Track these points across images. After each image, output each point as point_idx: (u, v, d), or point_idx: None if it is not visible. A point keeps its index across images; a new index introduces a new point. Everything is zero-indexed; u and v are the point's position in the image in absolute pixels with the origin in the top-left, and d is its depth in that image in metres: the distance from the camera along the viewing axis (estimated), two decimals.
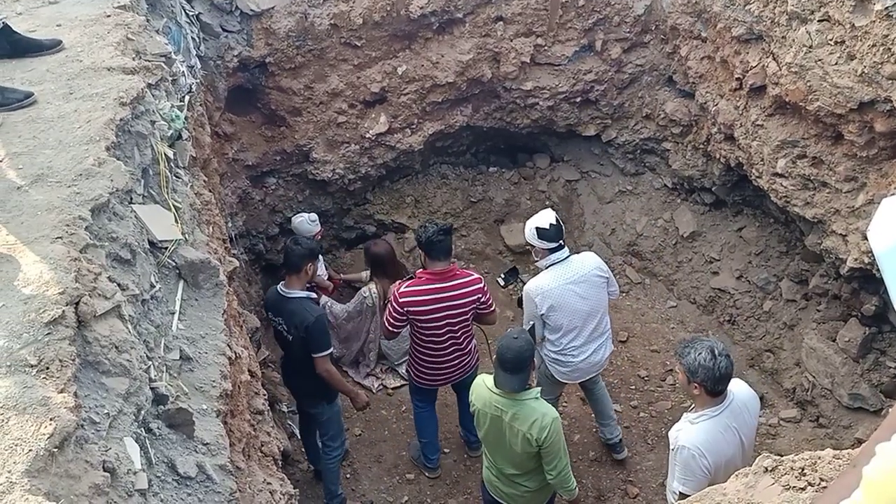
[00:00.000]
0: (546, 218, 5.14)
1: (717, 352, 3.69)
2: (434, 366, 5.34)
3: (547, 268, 5.15)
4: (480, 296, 5.13)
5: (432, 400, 5.74)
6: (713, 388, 3.72)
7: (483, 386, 4.26)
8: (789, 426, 6.02)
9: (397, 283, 5.47)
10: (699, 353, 3.70)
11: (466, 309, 5.12)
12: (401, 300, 5.03)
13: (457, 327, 5.16)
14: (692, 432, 3.77)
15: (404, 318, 5.10)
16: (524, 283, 5.85)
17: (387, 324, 5.17)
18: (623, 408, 6.36)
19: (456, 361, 5.33)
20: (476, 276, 5.24)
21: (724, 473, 3.72)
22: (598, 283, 5.19)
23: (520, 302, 5.82)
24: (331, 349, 5.02)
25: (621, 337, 7.02)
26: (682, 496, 3.76)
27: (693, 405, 3.97)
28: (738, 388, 3.91)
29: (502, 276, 6.23)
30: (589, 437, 6.13)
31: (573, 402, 6.42)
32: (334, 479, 5.51)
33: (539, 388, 4.26)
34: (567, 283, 5.07)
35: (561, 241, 5.14)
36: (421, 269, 5.18)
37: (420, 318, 5.08)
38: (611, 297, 5.36)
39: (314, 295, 5.29)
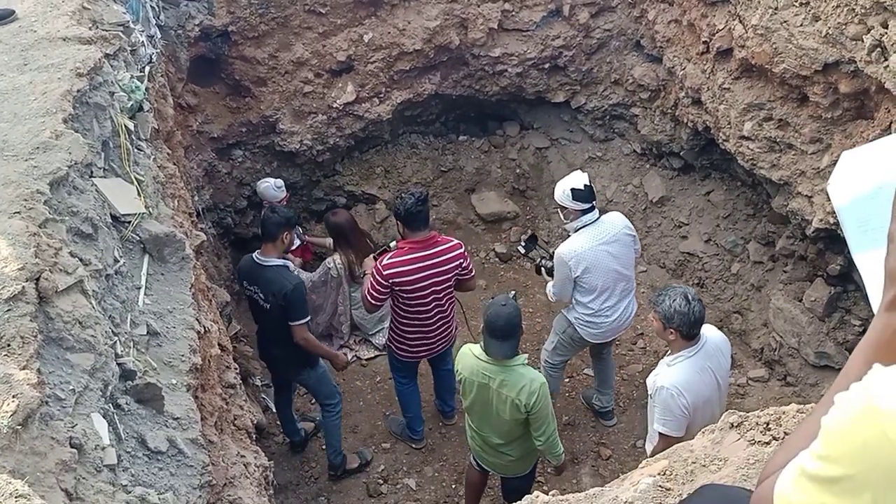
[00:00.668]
0: (580, 179, 5.07)
1: (690, 297, 3.88)
2: (419, 337, 5.31)
3: (578, 230, 5.11)
4: (462, 261, 5.11)
5: (414, 374, 5.73)
6: (689, 331, 3.90)
7: (470, 355, 4.27)
8: (757, 385, 6.14)
9: (374, 255, 5.42)
10: (674, 300, 3.88)
11: (450, 275, 5.09)
12: (385, 273, 4.95)
13: (442, 294, 5.13)
14: (670, 373, 3.94)
15: (388, 290, 5.03)
16: (541, 250, 5.79)
17: (369, 297, 5.07)
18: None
19: (440, 330, 5.31)
20: (456, 241, 5.20)
21: (701, 414, 3.94)
22: (628, 241, 5.21)
23: (538, 269, 5.76)
24: (308, 317, 5.02)
25: None
26: (663, 438, 3.91)
27: (668, 351, 4.12)
28: (710, 332, 4.09)
29: (522, 243, 6.06)
30: (561, 401, 6.19)
31: None
32: (338, 434, 5.58)
33: (526, 355, 4.28)
34: (600, 244, 5.06)
35: (593, 203, 5.12)
36: (401, 240, 5.13)
37: (406, 288, 5.02)
38: (635, 254, 5.40)
39: (291, 264, 5.25)
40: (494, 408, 4.24)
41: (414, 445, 5.96)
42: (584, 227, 5.10)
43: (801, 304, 5.90)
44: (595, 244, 5.05)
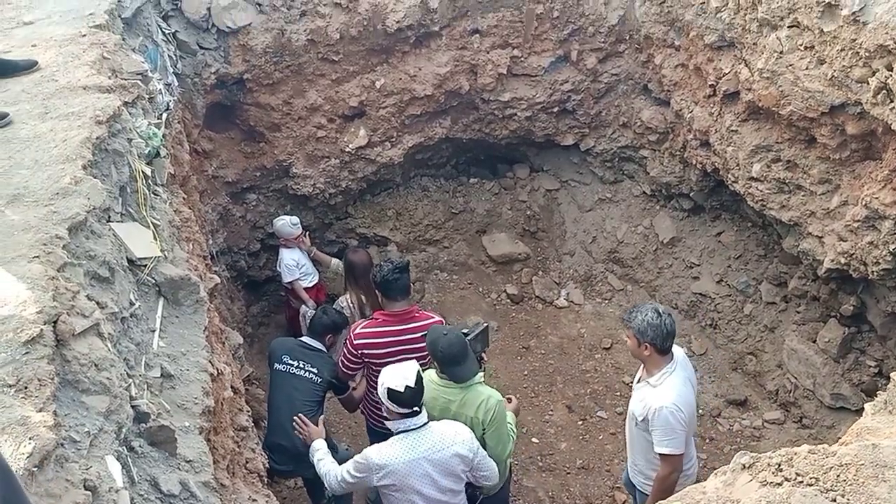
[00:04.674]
0: (407, 374, 3.74)
1: (661, 311, 3.93)
2: None
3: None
4: None
5: None
6: (662, 344, 3.92)
7: (428, 382, 4.04)
8: (773, 428, 6.07)
9: (353, 323, 5.19)
10: (645, 315, 3.92)
11: (425, 353, 4.50)
12: (355, 342, 4.71)
13: None
14: (661, 393, 3.91)
15: (359, 360, 4.81)
16: None
17: (341, 365, 4.90)
18: (608, 414, 6.38)
19: None
20: (437, 318, 4.84)
21: (690, 426, 4.00)
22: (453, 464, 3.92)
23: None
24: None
25: (605, 344, 7.07)
26: (668, 459, 3.88)
27: (639, 376, 4.13)
28: (673, 349, 4.11)
29: None
30: (575, 444, 6.14)
31: (559, 410, 6.44)
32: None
33: (482, 373, 4.19)
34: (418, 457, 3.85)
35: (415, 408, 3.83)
36: (378, 310, 4.91)
37: (376, 361, 4.70)
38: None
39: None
40: None
41: None
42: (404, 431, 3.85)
43: (816, 344, 5.86)
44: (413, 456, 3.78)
